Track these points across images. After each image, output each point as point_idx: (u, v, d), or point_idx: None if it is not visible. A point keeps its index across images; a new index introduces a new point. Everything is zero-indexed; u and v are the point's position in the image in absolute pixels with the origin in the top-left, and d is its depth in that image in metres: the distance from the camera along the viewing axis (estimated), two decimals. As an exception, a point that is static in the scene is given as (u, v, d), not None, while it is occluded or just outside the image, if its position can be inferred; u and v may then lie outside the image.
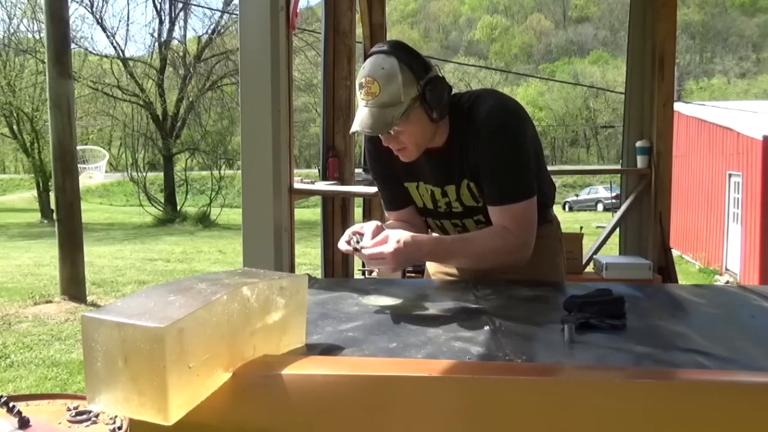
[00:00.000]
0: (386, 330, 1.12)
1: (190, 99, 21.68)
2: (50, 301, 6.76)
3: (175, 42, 22.65)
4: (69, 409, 1.35)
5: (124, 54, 22.44)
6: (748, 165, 9.74)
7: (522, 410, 0.83)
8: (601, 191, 23.83)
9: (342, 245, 1.40)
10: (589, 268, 4.10)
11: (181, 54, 22.42)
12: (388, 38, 4.48)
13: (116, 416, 1.30)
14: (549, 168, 1.68)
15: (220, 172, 20.26)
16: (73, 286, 6.93)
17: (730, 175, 10.54)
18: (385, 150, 1.53)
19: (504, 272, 1.52)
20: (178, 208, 19.99)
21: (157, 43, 22.13)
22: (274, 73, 2.16)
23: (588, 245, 4.21)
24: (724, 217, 10.76)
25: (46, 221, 17.76)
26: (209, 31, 22.26)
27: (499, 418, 0.83)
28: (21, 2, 20.84)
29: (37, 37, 19.17)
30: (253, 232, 2.20)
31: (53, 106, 6.79)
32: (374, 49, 1.44)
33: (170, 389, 0.76)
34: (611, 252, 4.55)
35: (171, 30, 22.50)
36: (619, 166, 4.35)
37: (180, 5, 21.92)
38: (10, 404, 1.28)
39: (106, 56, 22.17)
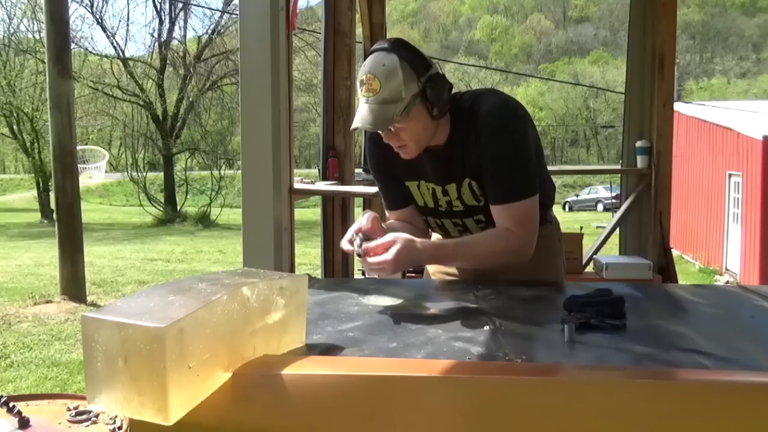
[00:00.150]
0: (386, 330, 1.12)
1: (190, 99, 21.67)
2: (50, 301, 6.75)
3: (175, 42, 22.67)
4: (69, 409, 1.35)
5: (124, 54, 22.45)
6: (748, 165, 9.74)
7: (522, 410, 0.83)
8: (601, 191, 23.83)
9: (344, 245, 1.40)
10: (589, 268, 4.11)
11: (181, 54, 22.41)
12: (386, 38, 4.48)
13: (116, 416, 1.30)
14: (549, 168, 1.69)
15: (220, 172, 20.26)
16: (73, 286, 6.93)
17: (730, 175, 10.54)
18: (386, 149, 1.53)
19: (504, 272, 1.52)
20: (178, 208, 19.99)
21: (157, 43, 22.14)
22: (274, 73, 2.16)
23: (588, 245, 4.22)
24: (724, 217, 10.75)
25: (46, 221, 17.76)
26: (209, 31, 22.27)
27: (499, 418, 0.83)
28: (21, 2, 20.86)
29: (37, 37, 19.16)
30: (253, 232, 2.21)
31: (53, 106, 6.79)
32: (375, 46, 1.45)
33: (170, 389, 0.76)
34: (611, 252, 4.55)
35: (171, 30, 22.53)
36: (619, 166, 4.36)
37: (180, 5, 21.94)
38: (10, 404, 1.28)
39: (106, 56, 22.17)
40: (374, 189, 2.76)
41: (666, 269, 3.87)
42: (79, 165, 7.55)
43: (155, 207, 19.34)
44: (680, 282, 4.79)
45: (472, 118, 1.48)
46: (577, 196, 25.99)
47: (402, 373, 0.87)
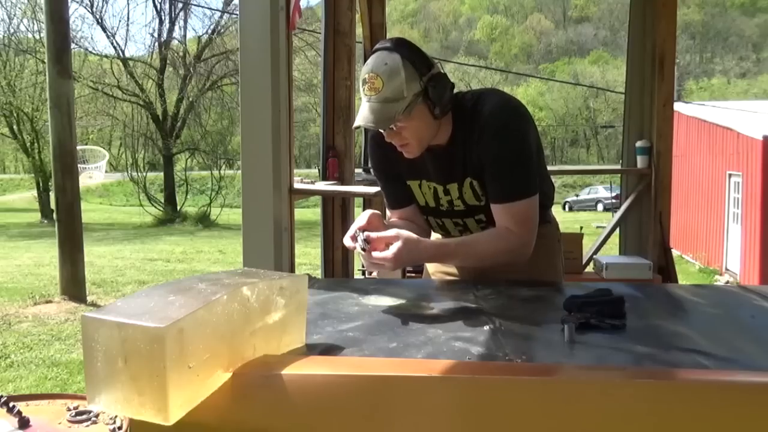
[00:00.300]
0: (386, 330, 1.12)
1: (190, 99, 21.68)
2: (50, 301, 6.76)
3: (175, 42, 22.67)
4: (69, 409, 1.35)
5: (124, 54, 22.45)
6: (748, 165, 9.74)
7: (522, 410, 0.83)
8: (601, 191, 23.83)
9: (347, 241, 1.40)
10: (589, 268, 4.11)
11: (181, 54, 22.41)
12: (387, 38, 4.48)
13: (116, 416, 1.30)
14: (549, 168, 1.69)
15: (220, 172, 20.26)
16: (73, 286, 6.93)
17: (730, 175, 10.54)
18: (388, 148, 1.54)
19: (503, 271, 1.52)
20: (178, 208, 19.99)
21: (157, 43, 22.15)
22: (274, 73, 2.16)
23: (588, 245, 4.22)
24: (724, 217, 10.75)
25: (46, 221, 17.76)
26: (209, 31, 22.28)
27: (499, 418, 0.83)
28: (21, 2, 20.86)
29: (37, 37, 19.16)
30: (253, 232, 2.20)
31: (53, 106, 6.79)
32: (378, 45, 1.46)
33: (170, 389, 0.76)
34: (611, 252, 4.55)
35: (171, 30, 22.53)
36: (619, 166, 4.36)
37: (180, 5, 21.94)
38: (10, 404, 1.28)
39: (106, 56, 22.18)
40: (374, 189, 2.76)
41: (666, 269, 3.87)
42: (79, 165, 7.55)
43: (155, 207, 19.34)
44: (680, 282, 4.79)
45: (474, 118, 1.49)
46: (577, 196, 26.00)
47: (402, 373, 0.87)
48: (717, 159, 11.19)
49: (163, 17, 22.17)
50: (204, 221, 17.67)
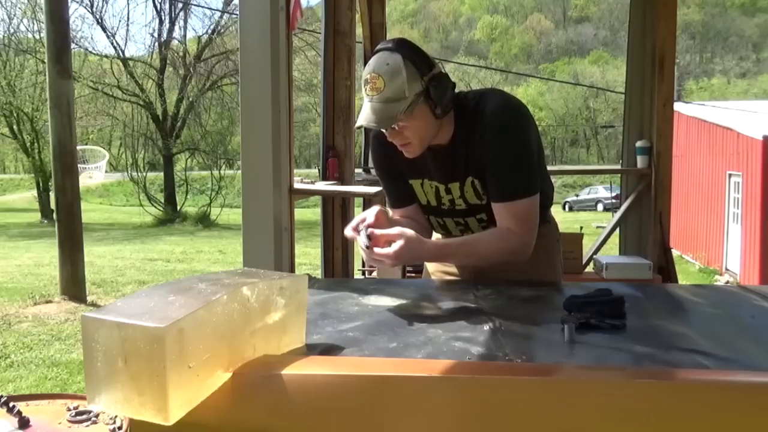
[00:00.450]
0: (386, 330, 1.12)
1: (190, 99, 21.67)
2: (50, 301, 6.75)
3: (175, 42, 22.67)
4: (69, 409, 1.35)
5: (124, 54, 22.44)
6: (748, 165, 9.74)
7: (522, 410, 0.83)
8: (601, 191, 23.83)
9: (348, 231, 1.40)
10: (589, 268, 4.11)
11: (181, 54, 22.41)
12: (388, 38, 4.48)
13: (116, 416, 1.30)
14: (549, 168, 1.70)
15: (220, 172, 20.26)
16: (73, 286, 6.93)
17: (730, 175, 10.54)
18: (390, 147, 1.55)
19: (502, 271, 1.52)
20: (178, 208, 19.98)
21: (157, 43, 22.15)
22: (274, 73, 2.16)
23: (588, 245, 4.22)
24: (724, 217, 10.75)
25: (46, 221, 17.76)
26: (209, 31, 22.28)
27: (499, 418, 0.83)
28: (21, 2, 20.86)
29: (37, 37, 19.15)
30: (253, 232, 2.21)
31: (53, 106, 6.79)
32: (379, 46, 1.47)
33: (170, 389, 0.76)
34: (611, 252, 4.55)
35: (171, 30, 22.53)
36: (619, 166, 4.35)
37: (180, 5, 21.94)
38: (10, 404, 1.28)
39: (106, 56, 22.17)
40: (374, 189, 2.76)
41: (666, 269, 3.87)
42: (79, 165, 7.55)
43: (155, 207, 19.34)
44: (680, 282, 4.79)
45: (476, 117, 1.50)
46: (577, 196, 25.99)
47: (402, 373, 0.87)
48: (717, 159, 11.19)
49: (163, 17, 22.20)
50: (204, 221, 17.67)
